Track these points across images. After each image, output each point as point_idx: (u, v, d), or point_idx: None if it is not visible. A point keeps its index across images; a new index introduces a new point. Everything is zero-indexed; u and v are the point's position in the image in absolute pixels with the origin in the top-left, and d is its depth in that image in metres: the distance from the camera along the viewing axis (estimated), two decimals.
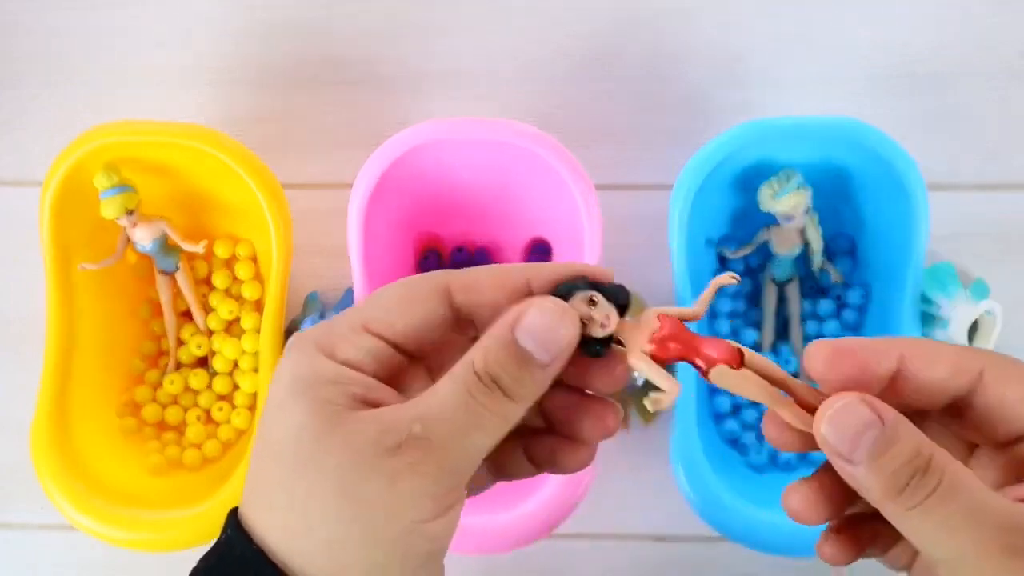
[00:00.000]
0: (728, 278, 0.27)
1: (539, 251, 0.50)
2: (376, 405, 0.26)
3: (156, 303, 0.52)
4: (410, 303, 0.27)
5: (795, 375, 0.48)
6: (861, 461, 0.24)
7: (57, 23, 0.55)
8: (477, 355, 0.26)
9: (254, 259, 0.52)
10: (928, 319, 0.46)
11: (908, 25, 0.53)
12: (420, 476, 0.25)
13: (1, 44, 0.56)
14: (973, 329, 0.45)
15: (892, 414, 0.24)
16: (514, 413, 0.26)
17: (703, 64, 0.54)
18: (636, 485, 0.50)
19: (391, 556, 0.25)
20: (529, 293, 0.27)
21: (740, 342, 0.49)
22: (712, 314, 0.49)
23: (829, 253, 0.49)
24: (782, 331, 0.50)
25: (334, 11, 0.55)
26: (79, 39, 0.55)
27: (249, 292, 0.51)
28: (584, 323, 0.26)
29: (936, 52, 0.53)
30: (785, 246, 0.47)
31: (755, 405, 0.49)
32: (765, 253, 0.49)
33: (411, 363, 0.28)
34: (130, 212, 0.47)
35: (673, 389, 0.26)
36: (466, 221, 0.50)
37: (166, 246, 0.49)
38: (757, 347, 0.49)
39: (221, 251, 0.51)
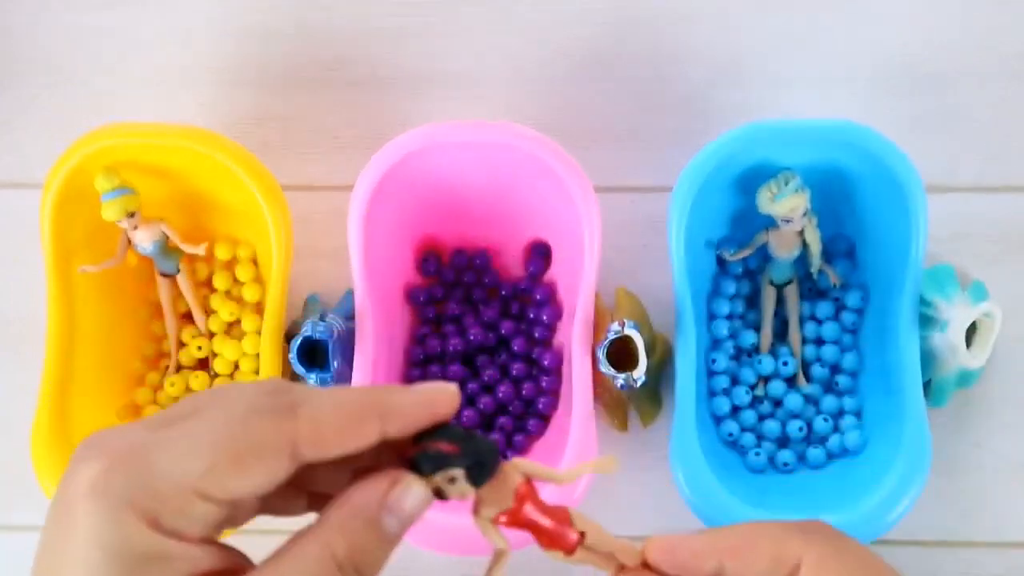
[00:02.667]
0: (604, 466, 0.29)
1: (539, 253, 0.50)
2: None
3: (157, 305, 0.52)
4: (250, 462, 0.24)
5: (791, 378, 0.49)
6: None
7: (57, 23, 0.55)
8: (337, 542, 0.24)
9: (254, 261, 0.52)
10: (926, 321, 0.46)
11: (908, 25, 0.53)
12: None
13: (1, 44, 0.56)
14: (972, 331, 0.45)
15: None
16: None
17: (703, 64, 0.54)
18: (636, 486, 0.51)
19: None
20: (382, 441, 0.25)
21: (739, 344, 0.50)
22: (711, 316, 0.49)
23: (828, 255, 0.49)
24: (781, 333, 0.50)
25: (334, 12, 0.55)
26: (79, 39, 0.55)
27: (250, 294, 0.51)
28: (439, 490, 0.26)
29: (936, 52, 0.53)
30: (784, 248, 0.47)
31: (754, 407, 0.49)
32: (764, 255, 0.49)
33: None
34: (131, 214, 0.47)
35: (504, 550, 0.29)
36: (466, 223, 0.50)
37: (167, 248, 0.49)
38: (756, 349, 0.50)
39: (221, 253, 0.51)
